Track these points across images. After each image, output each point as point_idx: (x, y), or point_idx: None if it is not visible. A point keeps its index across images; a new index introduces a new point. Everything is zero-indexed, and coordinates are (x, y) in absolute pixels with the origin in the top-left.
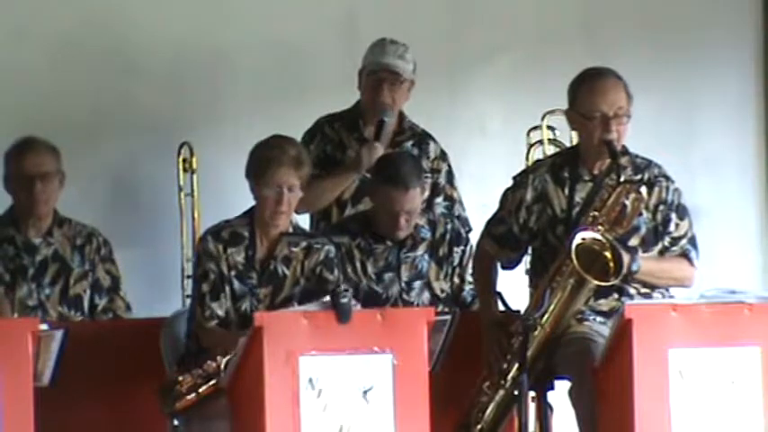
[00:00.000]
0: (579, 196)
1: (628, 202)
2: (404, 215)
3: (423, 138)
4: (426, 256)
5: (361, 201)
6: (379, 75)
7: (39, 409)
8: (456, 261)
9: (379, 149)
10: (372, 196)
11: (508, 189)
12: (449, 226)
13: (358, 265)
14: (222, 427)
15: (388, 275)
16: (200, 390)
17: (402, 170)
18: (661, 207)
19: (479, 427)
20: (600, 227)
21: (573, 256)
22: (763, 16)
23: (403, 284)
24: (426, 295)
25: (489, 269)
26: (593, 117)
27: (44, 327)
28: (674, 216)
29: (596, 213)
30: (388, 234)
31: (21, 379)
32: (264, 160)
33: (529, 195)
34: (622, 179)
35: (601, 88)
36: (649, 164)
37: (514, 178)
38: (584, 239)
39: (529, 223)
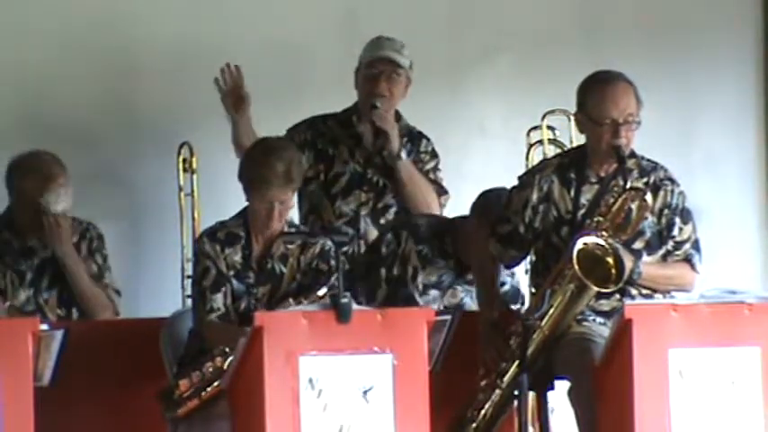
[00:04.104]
0: (585, 198)
1: (633, 208)
2: None
3: (418, 136)
4: (473, 296)
5: (351, 193)
6: (376, 67)
7: (39, 409)
8: None
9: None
10: (476, 221)
11: (513, 188)
12: (509, 284)
13: (410, 269)
14: (224, 427)
15: (434, 292)
16: (203, 393)
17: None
18: (666, 211)
19: (474, 425)
20: (604, 232)
21: (574, 260)
22: (763, 16)
23: (442, 307)
24: None
25: (492, 270)
26: (603, 123)
27: (44, 327)
28: (678, 220)
29: (601, 218)
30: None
31: (21, 379)
32: (253, 179)
33: (534, 195)
34: (628, 185)
35: (612, 94)
36: (655, 167)
37: (520, 178)
38: (586, 244)
39: (534, 223)
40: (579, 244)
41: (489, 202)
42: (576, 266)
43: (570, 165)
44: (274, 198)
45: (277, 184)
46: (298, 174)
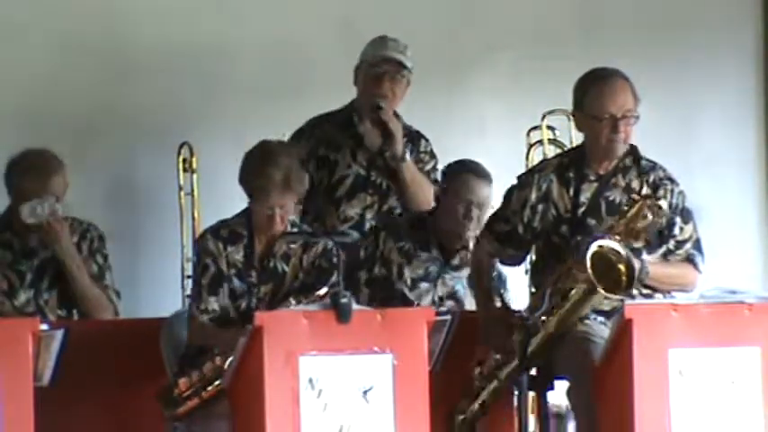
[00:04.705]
0: (584, 196)
1: (648, 215)
2: (475, 209)
3: (417, 136)
4: (465, 283)
5: (355, 196)
6: (380, 66)
7: (39, 409)
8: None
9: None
10: (446, 191)
11: (513, 187)
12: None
13: (394, 268)
14: (223, 427)
15: (424, 285)
16: (203, 393)
17: (482, 166)
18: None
19: (462, 417)
20: (617, 236)
21: (588, 263)
22: (763, 16)
23: (436, 298)
24: None
25: (488, 267)
26: (602, 119)
27: (44, 327)
28: (678, 220)
29: (614, 223)
30: (451, 231)
31: (21, 379)
32: (252, 186)
33: (533, 195)
34: (644, 192)
35: (609, 90)
36: (654, 166)
37: (519, 178)
38: (601, 247)
39: (533, 223)
40: (594, 246)
41: (453, 169)
42: (590, 270)
43: (569, 164)
44: (274, 204)
45: (276, 193)
46: (297, 180)
